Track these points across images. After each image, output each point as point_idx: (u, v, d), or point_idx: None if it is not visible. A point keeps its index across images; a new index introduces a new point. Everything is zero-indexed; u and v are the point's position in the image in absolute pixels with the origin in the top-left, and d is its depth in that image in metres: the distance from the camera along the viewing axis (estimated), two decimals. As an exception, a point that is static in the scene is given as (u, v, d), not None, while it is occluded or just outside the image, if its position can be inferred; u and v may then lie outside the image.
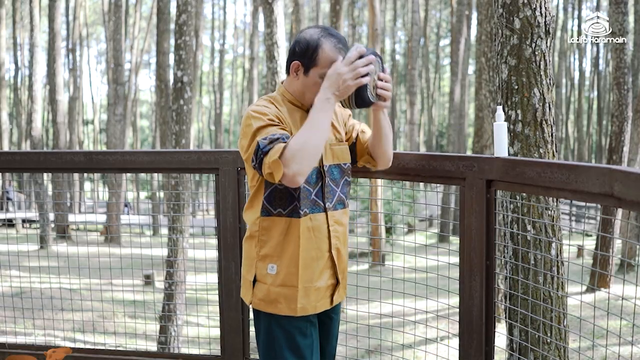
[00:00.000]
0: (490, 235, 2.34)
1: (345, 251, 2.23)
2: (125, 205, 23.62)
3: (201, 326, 7.06)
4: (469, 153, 22.39)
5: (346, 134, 2.30)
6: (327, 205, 2.12)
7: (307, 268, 2.10)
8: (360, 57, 1.96)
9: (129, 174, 7.15)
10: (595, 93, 31.05)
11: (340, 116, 2.28)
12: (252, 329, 2.92)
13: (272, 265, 2.10)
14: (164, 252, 8.01)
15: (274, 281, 2.10)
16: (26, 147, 29.30)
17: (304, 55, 2.05)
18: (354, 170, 2.38)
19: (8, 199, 19.11)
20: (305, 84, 2.07)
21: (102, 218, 16.95)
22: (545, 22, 2.73)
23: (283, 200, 2.07)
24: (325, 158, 2.14)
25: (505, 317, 2.73)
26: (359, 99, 2.04)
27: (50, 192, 15.95)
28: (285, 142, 1.92)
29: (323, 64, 2.03)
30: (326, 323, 2.26)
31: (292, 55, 2.09)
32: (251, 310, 2.24)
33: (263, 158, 1.93)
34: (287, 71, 2.13)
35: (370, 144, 2.26)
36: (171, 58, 13.82)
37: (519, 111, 2.74)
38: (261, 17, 25.10)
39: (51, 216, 16.30)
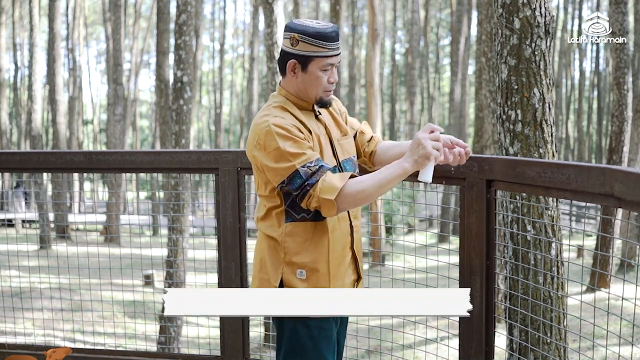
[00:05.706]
0: (490, 235, 2.34)
1: (361, 245, 2.22)
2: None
3: (201, 326, 7.05)
4: (469, 153, 22.28)
5: None
6: None
7: (336, 269, 2.07)
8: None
9: (128, 174, 7.16)
10: (595, 93, 31.01)
11: (338, 109, 2.24)
12: (252, 329, 2.93)
13: (300, 270, 2.04)
14: (164, 252, 8.01)
15: (305, 287, 2.05)
16: (26, 147, 29.29)
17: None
18: None
19: (25, 194, 18.61)
20: (305, 80, 2.03)
21: (102, 218, 16.93)
22: (545, 22, 2.73)
23: None
24: (339, 153, 2.12)
25: (505, 317, 2.73)
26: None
27: (50, 192, 15.94)
28: (328, 170, 1.93)
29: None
30: (338, 320, 2.23)
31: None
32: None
33: (309, 190, 1.91)
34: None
35: (383, 154, 2.23)
36: (171, 58, 13.81)
37: (518, 111, 2.74)
38: (261, 17, 25.10)
39: (51, 216, 16.29)
